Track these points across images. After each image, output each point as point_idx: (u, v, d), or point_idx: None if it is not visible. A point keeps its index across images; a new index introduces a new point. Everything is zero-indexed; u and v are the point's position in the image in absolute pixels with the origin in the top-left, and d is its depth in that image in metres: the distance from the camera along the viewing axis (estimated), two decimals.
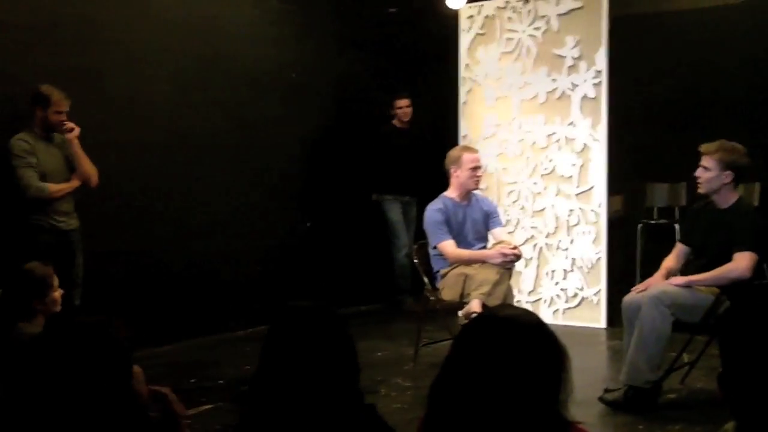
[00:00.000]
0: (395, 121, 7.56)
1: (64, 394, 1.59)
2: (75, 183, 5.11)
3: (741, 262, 4.29)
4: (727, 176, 4.37)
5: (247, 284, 6.49)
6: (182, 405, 2.22)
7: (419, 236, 6.71)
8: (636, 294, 4.45)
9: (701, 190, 4.51)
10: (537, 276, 6.94)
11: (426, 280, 5.37)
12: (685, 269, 4.59)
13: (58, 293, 3.60)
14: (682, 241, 4.73)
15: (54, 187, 5.00)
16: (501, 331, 1.73)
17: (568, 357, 1.75)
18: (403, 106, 7.51)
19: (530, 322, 1.76)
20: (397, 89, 7.58)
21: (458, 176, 5.40)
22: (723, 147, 4.39)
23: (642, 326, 4.31)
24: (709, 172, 4.39)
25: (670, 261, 4.66)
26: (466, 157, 5.40)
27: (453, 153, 5.49)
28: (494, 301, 4.82)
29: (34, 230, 4.98)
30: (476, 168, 5.41)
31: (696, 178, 4.49)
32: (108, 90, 5.59)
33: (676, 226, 6.75)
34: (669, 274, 4.54)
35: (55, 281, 3.62)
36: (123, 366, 1.69)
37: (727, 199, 4.45)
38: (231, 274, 6.40)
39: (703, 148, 4.44)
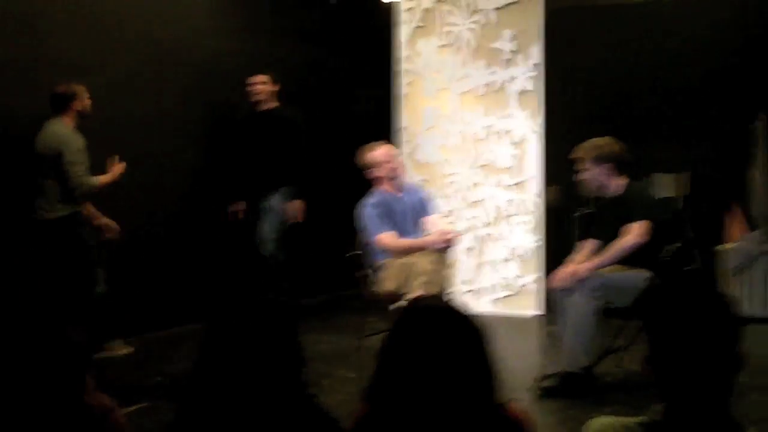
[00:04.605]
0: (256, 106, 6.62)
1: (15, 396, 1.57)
2: (118, 170, 5.45)
3: (632, 230, 4.46)
4: (604, 168, 4.61)
5: (190, 277, 6.46)
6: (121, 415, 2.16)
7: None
8: (563, 279, 4.56)
9: (589, 189, 4.74)
10: (477, 265, 7.07)
11: (367, 271, 5.43)
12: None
13: None
14: (591, 236, 4.84)
15: (102, 180, 5.38)
16: (423, 321, 1.81)
17: (488, 339, 1.83)
18: (249, 83, 6.57)
19: (449, 309, 1.85)
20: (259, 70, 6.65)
21: (380, 176, 5.44)
22: (589, 147, 4.66)
23: (572, 312, 4.47)
24: (588, 171, 4.65)
25: (581, 256, 4.74)
26: (374, 157, 5.40)
27: (362, 162, 5.43)
28: (434, 289, 4.90)
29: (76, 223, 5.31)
30: (389, 161, 5.40)
31: (583, 181, 4.72)
32: (44, 81, 5.50)
33: None
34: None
35: None
36: (78, 372, 1.67)
37: (617, 187, 4.67)
38: (174, 265, 6.37)
39: (575, 153, 4.68)
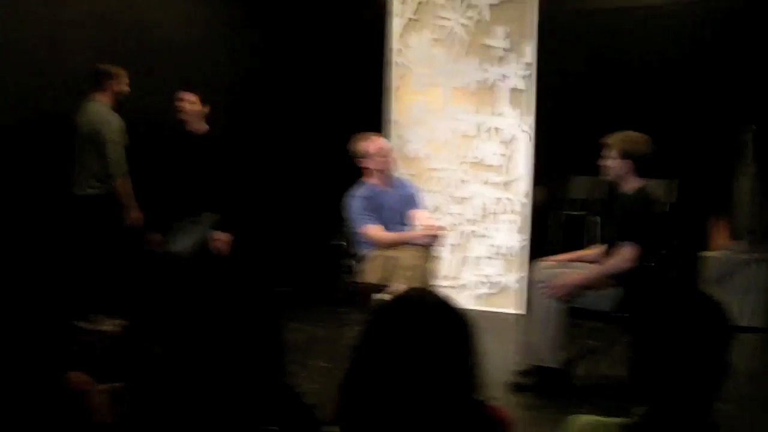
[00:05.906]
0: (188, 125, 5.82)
1: None
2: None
3: (623, 255, 4.42)
4: (626, 164, 4.56)
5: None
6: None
7: None
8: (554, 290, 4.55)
9: (607, 177, 4.72)
10: (460, 262, 7.04)
11: (348, 262, 5.40)
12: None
13: None
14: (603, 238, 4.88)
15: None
16: (408, 312, 1.73)
17: (476, 334, 1.76)
18: (177, 99, 5.75)
19: (436, 301, 1.77)
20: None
21: (370, 167, 5.42)
22: (622, 137, 4.60)
23: (540, 309, 4.49)
24: (611, 160, 4.60)
25: (591, 250, 4.82)
26: (372, 147, 5.39)
27: (358, 148, 5.43)
28: (417, 284, 4.88)
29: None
30: (381, 154, 5.40)
31: (604, 167, 4.69)
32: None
33: (592, 219, 6.91)
34: (578, 259, 4.76)
35: None
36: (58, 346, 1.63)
37: (630, 187, 4.62)
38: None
39: (606, 139, 4.63)
